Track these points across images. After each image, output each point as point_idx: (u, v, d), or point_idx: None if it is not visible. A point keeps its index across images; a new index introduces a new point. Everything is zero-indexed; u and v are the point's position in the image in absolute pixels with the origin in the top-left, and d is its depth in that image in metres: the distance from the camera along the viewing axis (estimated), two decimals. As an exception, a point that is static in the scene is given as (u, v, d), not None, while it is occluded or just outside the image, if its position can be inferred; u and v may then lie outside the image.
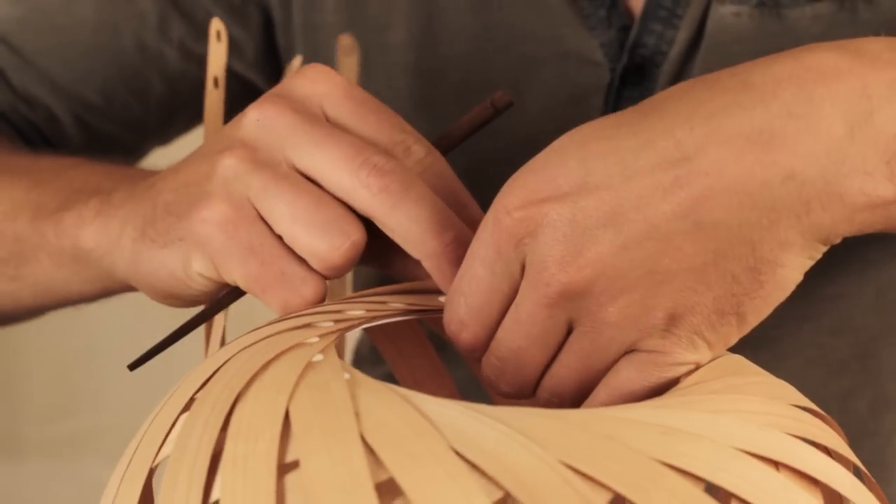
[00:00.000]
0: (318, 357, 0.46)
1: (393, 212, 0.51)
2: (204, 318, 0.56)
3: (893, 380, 0.73)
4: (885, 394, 0.73)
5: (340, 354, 0.54)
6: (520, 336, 0.49)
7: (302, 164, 0.52)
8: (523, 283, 0.48)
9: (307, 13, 0.78)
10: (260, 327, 0.50)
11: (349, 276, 0.64)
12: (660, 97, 0.49)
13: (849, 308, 0.71)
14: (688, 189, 0.46)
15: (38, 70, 0.80)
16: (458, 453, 0.40)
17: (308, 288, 0.52)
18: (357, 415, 0.42)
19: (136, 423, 0.52)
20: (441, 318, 0.53)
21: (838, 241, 0.48)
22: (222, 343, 0.56)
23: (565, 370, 0.49)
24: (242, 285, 0.53)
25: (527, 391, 0.50)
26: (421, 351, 0.62)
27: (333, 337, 0.48)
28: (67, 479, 1.69)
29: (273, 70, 0.82)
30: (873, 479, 0.48)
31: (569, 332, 0.49)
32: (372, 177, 0.51)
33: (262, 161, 0.52)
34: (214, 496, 0.42)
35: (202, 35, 0.80)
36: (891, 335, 0.72)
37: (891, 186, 0.46)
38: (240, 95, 0.78)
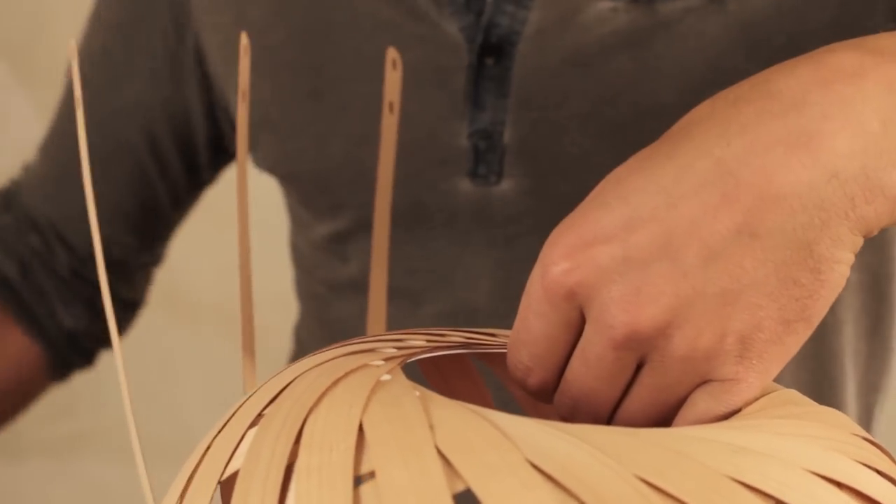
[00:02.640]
0: (386, 377, 0.46)
1: None
2: None
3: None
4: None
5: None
6: (590, 378, 0.49)
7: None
8: (588, 328, 0.48)
9: (206, 13, 0.83)
10: (321, 351, 0.51)
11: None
12: (682, 124, 0.49)
13: None
14: (738, 203, 0.46)
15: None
16: (533, 465, 0.40)
17: None
18: (431, 427, 0.42)
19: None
20: (498, 356, 0.53)
21: (876, 233, 0.48)
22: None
23: (638, 404, 0.49)
24: None
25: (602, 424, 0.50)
26: (470, 385, 0.63)
27: (399, 360, 0.49)
28: (67, 479, 1.69)
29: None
30: None
31: (639, 365, 0.48)
32: None
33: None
34: (289, 505, 0.43)
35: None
36: None
37: None
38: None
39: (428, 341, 0.53)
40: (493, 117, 0.73)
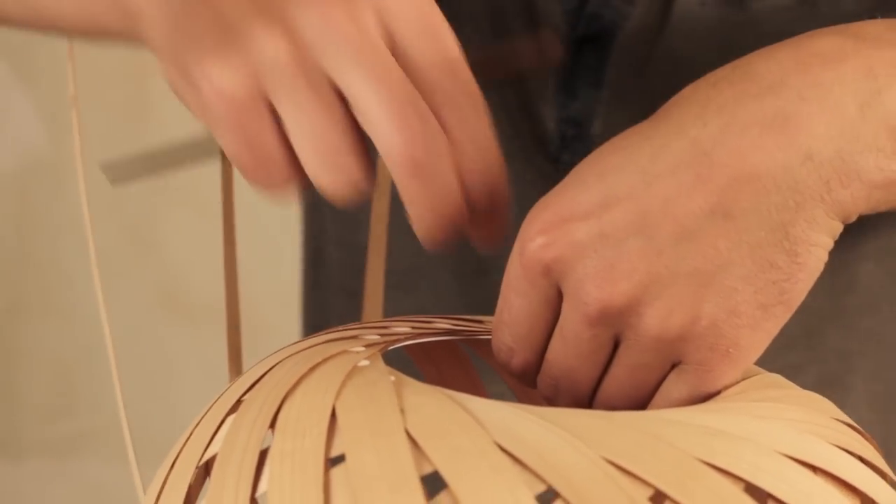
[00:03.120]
0: (364, 363, 0.47)
1: (406, 186, 0.48)
2: (193, 156, 0.55)
3: (836, 359, 0.74)
4: (829, 372, 0.74)
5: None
6: (569, 357, 0.49)
7: (342, 81, 0.48)
8: (564, 305, 0.48)
9: None
10: (304, 339, 0.51)
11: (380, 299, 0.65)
12: (666, 106, 0.49)
13: None
14: (712, 183, 0.46)
15: None
16: (501, 448, 0.41)
17: (275, 170, 0.49)
18: (402, 411, 0.42)
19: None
20: (485, 342, 0.53)
21: (855, 219, 0.48)
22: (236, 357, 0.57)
23: (616, 384, 0.49)
24: (226, 152, 0.50)
25: (583, 405, 0.51)
26: (461, 373, 0.63)
27: (379, 346, 0.49)
28: (67, 479, 1.69)
29: None
30: None
31: (617, 344, 0.49)
32: (398, 137, 0.47)
33: (303, 66, 0.48)
34: (262, 490, 0.43)
35: None
36: (838, 317, 0.73)
37: None
38: None
39: (413, 328, 0.54)
40: (585, 107, 0.73)
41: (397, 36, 0.50)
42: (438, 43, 0.50)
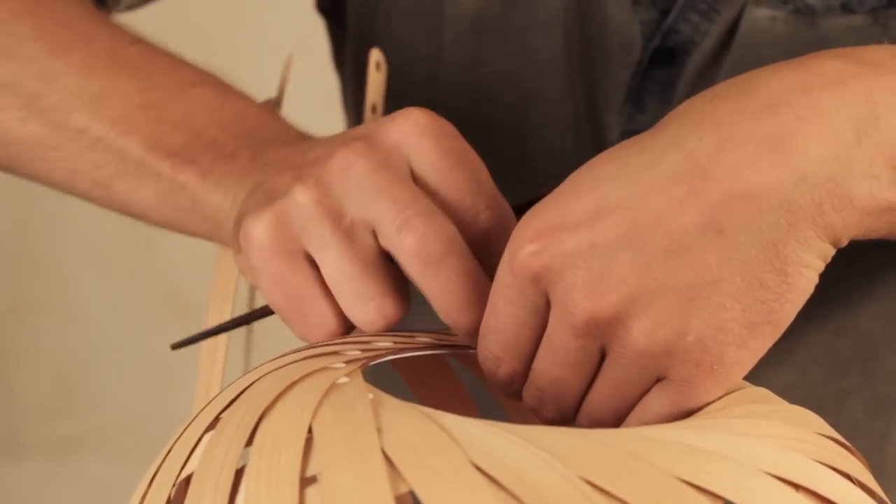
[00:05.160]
0: (344, 380, 0.46)
1: (423, 280, 0.51)
2: (245, 321, 0.58)
3: (889, 383, 0.73)
4: (880, 396, 0.73)
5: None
6: (555, 367, 0.49)
7: (364, 217, 0.52)
8: (552, 314, 0.48)
9: None
10: (286, 354, 0.51)
11: None
12: (663, 119, 0.49)
13: (855, 310, 0.72)
14: (704, 197, 0.46)
15: None
16: (478, 467, 0.40)
17: (323, 331, 0.53)
18: (379, 430, 0.42)
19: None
20: (468, 354, 0.53)
21: (846, 243, 0.48)
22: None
23: (601, 397, 0.49)
24: (268, 302, 0.54)
25: (568, 417, 0.50)
26: (447, 385, 0.62)
27: (360, 363, 0.49)
28: (67, 479, 1.69)
29: None
30: None
31: (604, 357, 0.48)
32: (408, 238, 0.51)
33: (329, 208, 0.52)
34: (238, 509, 0.43)
35: None
36: (893, 340, 0.73)
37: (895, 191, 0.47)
38: None
39: (395, 343, 0.53)
40: (651, 121, 0.70)
41: (416, 168, 0.53)
42: (458, 169, 0.53)
